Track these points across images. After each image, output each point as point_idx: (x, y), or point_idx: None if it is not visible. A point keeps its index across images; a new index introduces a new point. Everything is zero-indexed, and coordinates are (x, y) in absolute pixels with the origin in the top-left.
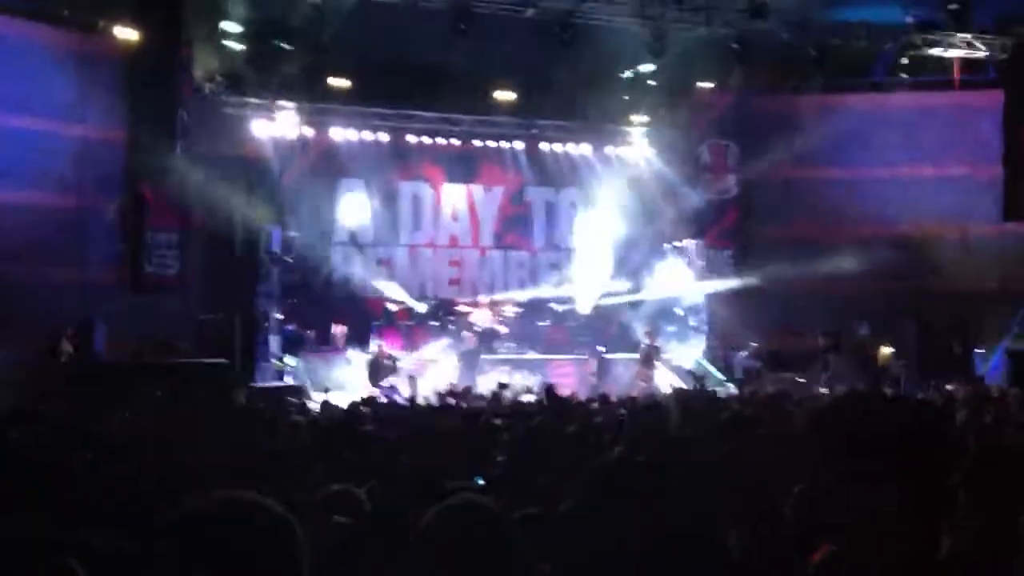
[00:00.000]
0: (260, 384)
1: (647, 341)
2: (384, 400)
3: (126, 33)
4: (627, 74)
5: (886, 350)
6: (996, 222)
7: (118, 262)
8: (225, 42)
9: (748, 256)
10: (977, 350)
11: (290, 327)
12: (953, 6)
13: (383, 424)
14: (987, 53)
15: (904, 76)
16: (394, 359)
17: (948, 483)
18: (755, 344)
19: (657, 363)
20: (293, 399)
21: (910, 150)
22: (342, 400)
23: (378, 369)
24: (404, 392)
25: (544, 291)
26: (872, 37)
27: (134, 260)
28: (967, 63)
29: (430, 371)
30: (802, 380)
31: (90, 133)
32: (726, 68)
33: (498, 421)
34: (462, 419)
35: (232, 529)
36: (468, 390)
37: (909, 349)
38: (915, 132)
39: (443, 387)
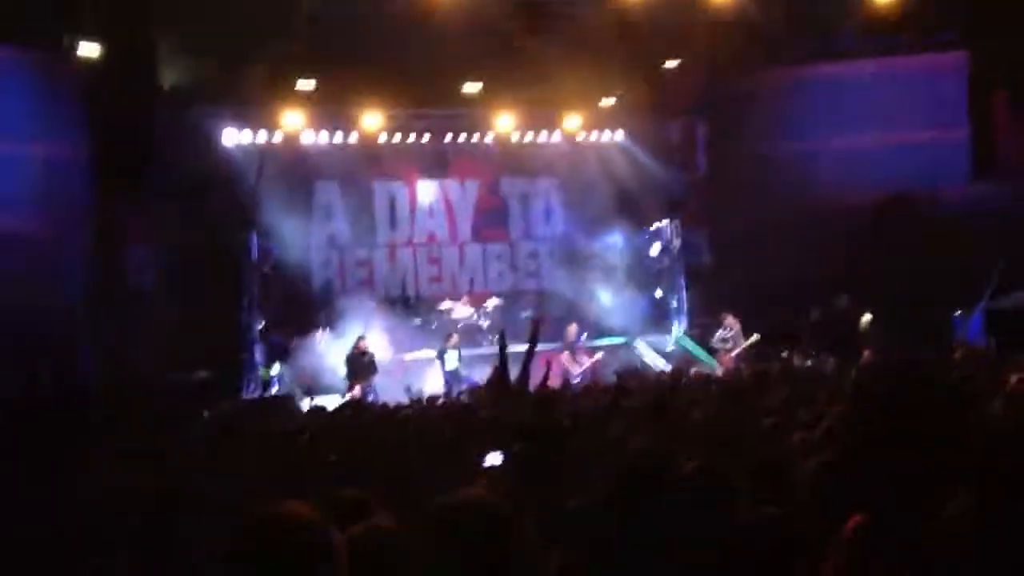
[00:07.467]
0: (246, 396)
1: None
2: (369, 400)
3: (90, 48)
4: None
5: (866, 318)
6: (965, 185)
7: (93, 282)
8: (191, 51)
9: (724, 234)
10: (956, 313)
11: (273, 336)
12: None
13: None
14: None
15: (869, 42)
16: (372, 356)
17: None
18: (730, 317)
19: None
20: (281, 408)
21: (878, 118)
22: (329, 404)
23: (356, 367)
24: (385, 392)
25: (525, 282)
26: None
27: (109, 278)
28: (929, 26)
29: (413, 372)
30: (784, 355)
31: (58, 152)
32: (694, 44)
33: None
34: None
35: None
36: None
37: (888, 319)
38: (881, 98)
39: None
